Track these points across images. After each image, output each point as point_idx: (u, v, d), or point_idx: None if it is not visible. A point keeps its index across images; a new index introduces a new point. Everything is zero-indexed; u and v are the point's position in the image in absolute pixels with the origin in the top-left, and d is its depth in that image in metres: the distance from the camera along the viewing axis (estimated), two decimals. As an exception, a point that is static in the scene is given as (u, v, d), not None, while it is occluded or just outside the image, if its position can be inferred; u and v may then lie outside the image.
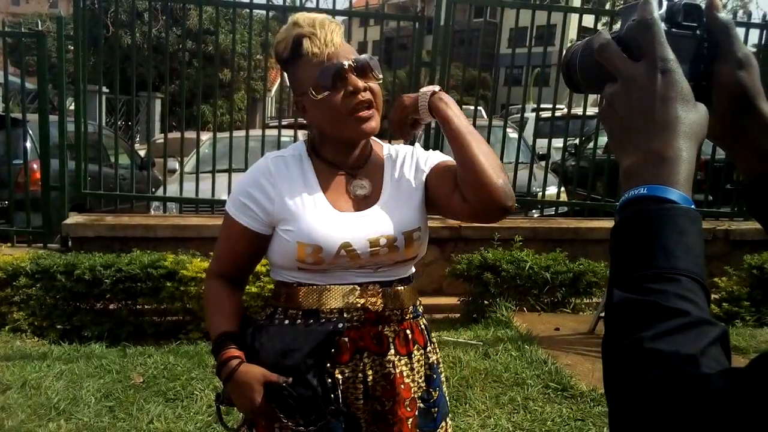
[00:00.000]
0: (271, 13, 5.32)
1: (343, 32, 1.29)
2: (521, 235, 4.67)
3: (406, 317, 1.36)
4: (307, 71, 1.25)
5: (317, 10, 5.36)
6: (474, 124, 5.16)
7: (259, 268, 3.90)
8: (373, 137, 1.36)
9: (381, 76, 1.29)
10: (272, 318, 1.34)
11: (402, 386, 1.32)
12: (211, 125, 6.69)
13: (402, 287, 1.36)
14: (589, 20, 5.31)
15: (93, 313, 4.02)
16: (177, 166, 5.72)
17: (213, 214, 5.20)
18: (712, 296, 4.67)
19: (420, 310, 1.42)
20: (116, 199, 5.28)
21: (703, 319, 0.54)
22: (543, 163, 5.90)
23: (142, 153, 7.15)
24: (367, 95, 1.24)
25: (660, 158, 0.60)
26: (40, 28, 4.80)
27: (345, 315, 1.28)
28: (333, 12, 5.19)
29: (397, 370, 1.32)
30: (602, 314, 3.99)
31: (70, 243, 4.61)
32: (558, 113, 5.73)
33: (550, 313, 4.40)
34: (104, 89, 7.45)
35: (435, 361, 1.42)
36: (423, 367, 1.38)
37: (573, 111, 6.55)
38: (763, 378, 0.47)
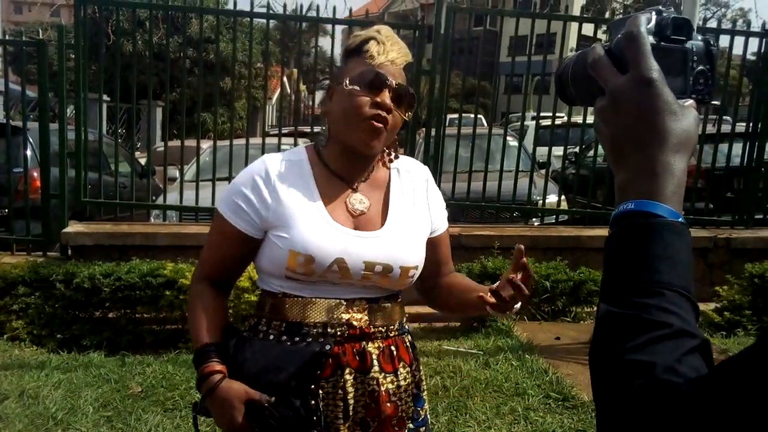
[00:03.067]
0: (271, 22, 5.32)
1: (405, 66, 1.30)
2: (522, 243, 4.65)
3: (391, 334, 1.32)
4: (356, 65, 1.26)
5: (317, 19, 5.37)
6: (474, 133, 5.20)
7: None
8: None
9: (409, 115, 1.29)
10: (256, 329, 1.30)
11: (388, 404, 1.28)
12: (211, 133, 6.70)
13: (389, 304, 1.33)
14: (588, 29, 5.32)
15: (92, 322, 4.00)
16: (177, 174, 5.72)
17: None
18: (714, 305, 4.66)
19: (406, 327, 1.39)
20: (116, 208, 5.27)
21: (682, 330, 0.55)
22: (543, 171, 5.90)
23: (142, 161, 7.16)
24: (387, 116, 1.24)
25: (648, 172, 0.61)
26: (41, 36, 4.81)
27: (329, 330, 1.25)
28: (333, 21, 5.20)
29: (382, 388, 1.28)
30: (603, 323, 3.97)
31: (69, 251, 4.60)
32: (558, 121, 5.74)
33: (551, 322, 4.39)
34: (105, 97, 7.48)
35: (420, 379, 1.38)
36: (410, 386, 1.34)
37: (573, 119, 6.56)
38: (722, 383, 0.49)
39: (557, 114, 5.46)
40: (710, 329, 4.31)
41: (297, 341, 1.24)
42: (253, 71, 6.86)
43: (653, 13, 0.65)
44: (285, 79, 7.35)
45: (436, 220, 1.40)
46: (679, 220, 0.60)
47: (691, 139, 0.62)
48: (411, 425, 1.34)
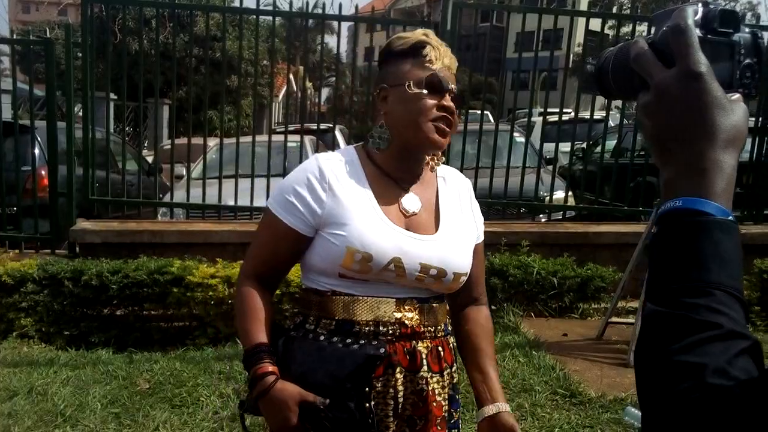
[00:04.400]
0: (277, 19, 5.32)
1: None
2: (529, 239, 4.65)
3: (439, 334, 1.33)
4: (414, 69, 1.28)
5: (323, 16, 5.37)
6: (480, 129, 5.18)
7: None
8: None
9: (459, 120, 1.37)
10: (303, 327, 1.30)
11: (434, 404, 1.30)
12: (218, 131, 6.71)
13: (437, 304, 1.34)
14: (596, 24, 5.29)
15: (100, 319, 4.02)
16: (184, 171, 5.74)
17: (220, 220, 5.21)
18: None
19: (449, 328, 1.40)
20: (124, 205, 5.29)
21: (733, 331, 0.54)
22: (550, 167, 5.87)
23: (149, 159, 7.18)
24: (452, 118, 1.29)
25: (696, 169, 0.59)
26: (48, 35, 4.82)
27: (381, 328, 1.25)
28: (339, 18, 5.20)
29: (430, 387, 1.29)
30: (610, 320, 3.95)
31: (77, 249, 4.62)
32: (565, 117, 5.71)
33: (558, 319, 4.37)
34: (113, 96, 7.49)
35: (457, 382, 1.40)
36: (448, 387, 1.35)
37: (580, 115, 6.53)
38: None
39: (564, 110, 5.43)
40: (719, 325, 4.28)
41: (349, 343, 1.24)
42: (259, 69, 6.87)
43: (699, 5, 0.63)
44: (291, 76, 7.35)
45: (479, 226, 1.44)
46: (729, 218, 0.58)
47: (740, 135, 0.60)
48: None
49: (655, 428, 0.55)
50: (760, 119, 5.20)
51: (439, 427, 1.31)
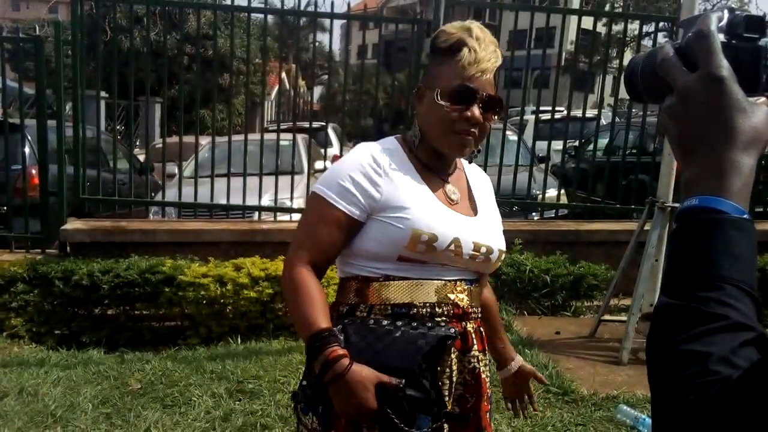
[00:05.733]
0: (270, 17, 5.30)
1: (495, 70, 1.33)
2: (521, 237, 4.65)
3: (479, 316, 1.41)
4: (447, 73, 1.29)
5: (315, 14, 5.35)
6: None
7: (257, 272, 3.89)
8: None
9: (496, 120, 1.39)
10: (353, 315, 1.31)
11: (483, 381, 1.37)
12: (210, 129, 6.68)
13: (478, 286, 1.41)
14: (588, 22, 5.30)
15: (91, 319, 4.00)
16: (176, 170, 5.71)
17: (212, 219, 5.19)
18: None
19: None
20: (115, 204, 5.26)
21: (739, 323, 0.56)
22: (543, 165, 5.88)
23: (141, 158, 7.14)
24: (475, 129, 1.30)
25: (714, 169, 0.62)
26: (38, 33, 4.79)
27: (437, 309, 1.30)
28: (331, 15, 5.18)
29: (480, 365, 1.37)
30: (603, 318, 3.96)
31: (68, 248, 4.59)
32: (557, 115, 5.72)
33: (551, 317, 4.38)
34: (104, 94, 7.44)
35: (489, 364, 1.49)
36: (488, 366, 1.43)
37: (572, 113, 6.54)
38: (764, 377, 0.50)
39: (557, 108, 5.43)
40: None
41: (416, 326, 1.26)
42: (251, 67, 6.84)
43: (725, 11, 0.65)
44: (284, 74, 7.33)
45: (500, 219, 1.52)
46: (744, 216, 0.60)
47: (761, 137, 0.62)
48: None
49: (661, 412, 0.57)
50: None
51: (486, 403, 1.39)
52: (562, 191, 5.70)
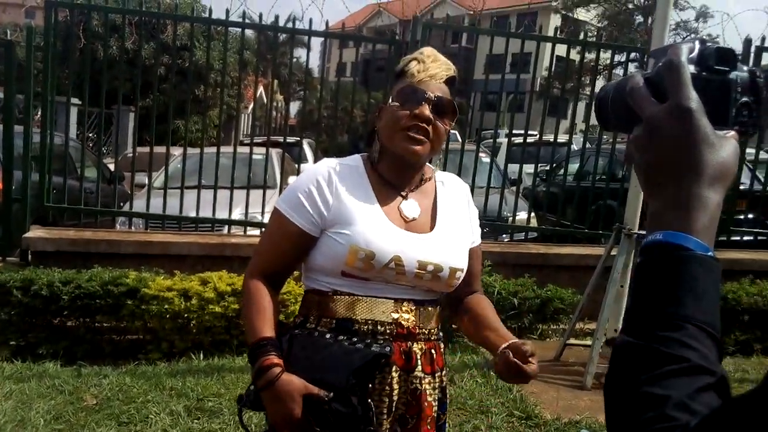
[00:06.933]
0: (248, 31, 5.30)
1: (450, 78, 1.38)
2: (490, 259, 4.67)
3: (432, 337, 1.40)
4: (398, 84, 1.37)
5: (294, 30, 5.36)
6: (447, 148, 5.22)
7: (223, 287, 3.83)
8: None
9: (452, 125, 1.39)
10: (304, 326, 1.35)
11: (426, 404, 1.36)
12: (183, 141, 6.62)
13: (432, 308, 1.40)
14: (562, 50, 5.40)
15: (49, 330, 3.89)
16: (146, 181, 5.63)
17: (180, 231, 5.11)
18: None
19: (441, 334, 1.45)
20: (80, 213, 5.15)
21: (699, 366, 0.55)
22: (514, 188, 5.94)
23: (111, 167, 7.02)
24: (427, 127, 1.32)
25: (680, 205, 0.60)
26: (9, 37, 4.70)
27: (379, 327, 1.31)
28: (309, 33, 5.19)
29: (423, 387, 1.35)
30: (568, 341, 3.99)
31: (30, 257, 4.48)
32: (530, 139, 5.79)
33: (518, 339, 4.38)
34: (77, 101, 7.32)
35: (446, 385, 1.46)
36: (438, 389, 1.41)
37: (545, 137, 6.63)
38: (729, 422, 0.49)
39: (530, 132, 5.51)
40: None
41: (355, 341, 1.28)
42: (227, 80, 6.81)
43: (696, 42, 0.64)
44: (261, 88, 7.31)
45: (474, 232, 1.50)
46: (709, 254, 0.59)
47: (728, 172, 0.61)
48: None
49: None
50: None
51: (429, 426, 1.37)
52: (532, 214, 5.76)
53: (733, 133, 0.63)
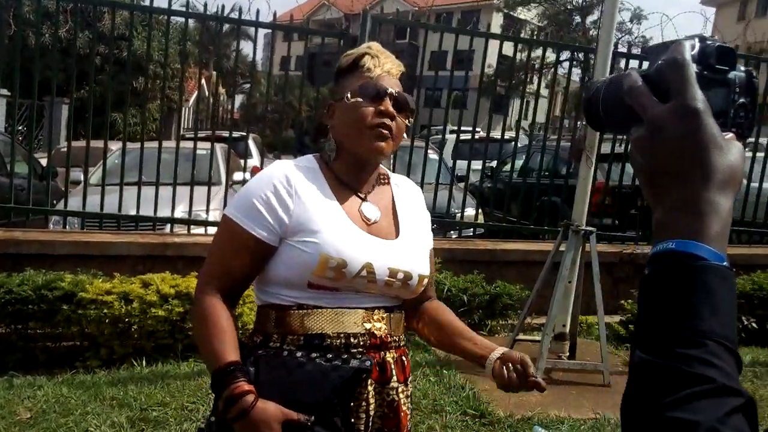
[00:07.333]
0: (191, 22, 5.10)
1: (401, 76, 1.35)
2: (440, 256, 4.67)
3: (401, 344, 1.35)
4: (354, 81, 1.31)
5: (239, 21, 5.20)
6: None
7: (166, 289, 3.68)
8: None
9: (412, 120, 1.35)
10: (267, 346, 1.25)
11: (402, 414, 1.31)
12: (121, 135, 6.34)
13: (400, 313, 1.35)
14: (509, 49, 5.46)
15: (-24, 339, 3.64)
16: (81, 177, 5.36)
17: (119, 231, 4.89)
18: (620, 318, 4.85)
19: (405, 338, 1.40)
20: (10, 212, 4.85)
21: (726, 387, 0.52)
22: (461, 184, 5.98)
23: (44, 162, 6.66)
24: (392, 123, 1.29)
25: (691, 210, 0.57)
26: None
27: (351, 340, 1.24)
28: (257, 24, 5.06)
29: (399, 397, 1.30)
30: (517, 337, 4.04)
31: (-47, 259, 4.18)
32: (476, 136, 5.84)
33: (468, 336, 4.41)
34: (5, 92, 6.90)
35: (411, 394, 1.40)
36: (409, 398, 1.36)
37: (492, 134, 6.71)
38: None
39: (476, 129, 5.55)
40: (615, 341, 4.48)
41: (331, 357, 1.20)
42: (168, 72, 6.57)
43: (696, 40, 0.61)
44: (204, 81, 7.09)
45: (429, 237, 1.45)
46: (724, 264, 0.56)
47: (737, 176, 0.58)
48: None
49: None
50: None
51: None
52: (480, 210, 5.81)
53: (731, 135, 0.61)
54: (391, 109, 1.27)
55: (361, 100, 1.27)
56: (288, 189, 1.25)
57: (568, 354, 3.86)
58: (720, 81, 0.61)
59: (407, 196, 1.43)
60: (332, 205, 1.28)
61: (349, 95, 1.28)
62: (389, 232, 1.33)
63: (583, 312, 4.15)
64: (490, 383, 3.46)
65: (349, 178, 1.33)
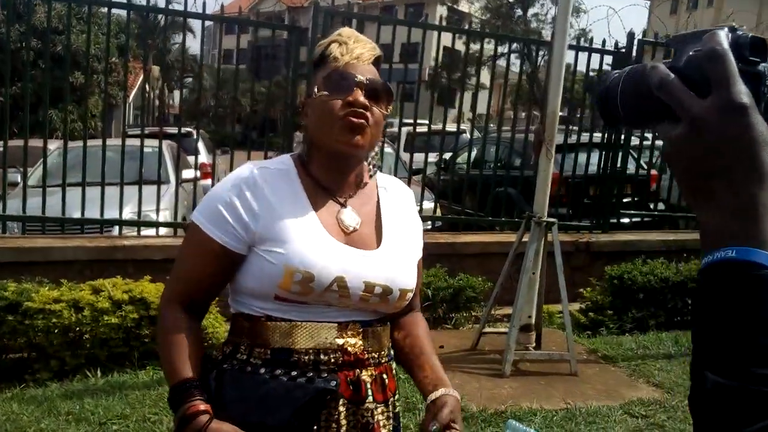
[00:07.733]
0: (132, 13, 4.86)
1: (376, 58, 1.23)
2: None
3: (383, 360, 1.24)
4: (321, 72, 1.20)
5: (184, 13, 4.99)
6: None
7: (119, 295, 3.50)
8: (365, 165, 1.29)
9: (390, 109, 1.23)
10: (234, 357, 1.18)
11: None
12: (60, 132, 6.02)
13: (380, 327, 1.24)
14: (450, 41, 5.44)
15: None
16: (19, 178, 5.04)
17: (63, 234, 4.63)
18: (578, 306, 4.94)
19: (392, 353, 1.29)
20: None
21: None
22: (416, 177, 5.96)
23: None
24: (365, 113, 1.16)
25: (747, 214, 0.52)
26: None
27: (321, 356, 1.15)
28: (203, 17, 4.87)
29: (375, 419, 1.20)
30: (484, 330, 4.04)
31: None
32: (424, 129, 5.82)
33: (433, 331, 4.35)
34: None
35: (399, 411, 1.31)
36: (392, 417, 1.25)
37: (436, 127, 6.71)
38: None
39: (419, 121, 5.51)
40: (577, 330, 4.55)
41: (295, 375, 1.13)
42: (108, 66, 6.28)
43: (726, 29, 0.57)
44: (146, 75, 6.81)
45: (420, 245, 1.33)
46: None
47: None
48: None
49: None
50: (606, 136, 5.66)
51: None
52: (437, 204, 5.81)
53: None
54: (361, 99, 1.15)
55: (327, 93, 1.16)
56: (254, 192, 1.16)
57: (534, 344, 3.88)
58: (753, 73, 0.57)
59: (395, 201, 1.31)
60: (304, 211, 1.18)
61: (316, 90, 1.18)
62: (370, 242, 1.22)
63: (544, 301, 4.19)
64: (460, 377, 3.47)
65: (326, 180, 1.22)
